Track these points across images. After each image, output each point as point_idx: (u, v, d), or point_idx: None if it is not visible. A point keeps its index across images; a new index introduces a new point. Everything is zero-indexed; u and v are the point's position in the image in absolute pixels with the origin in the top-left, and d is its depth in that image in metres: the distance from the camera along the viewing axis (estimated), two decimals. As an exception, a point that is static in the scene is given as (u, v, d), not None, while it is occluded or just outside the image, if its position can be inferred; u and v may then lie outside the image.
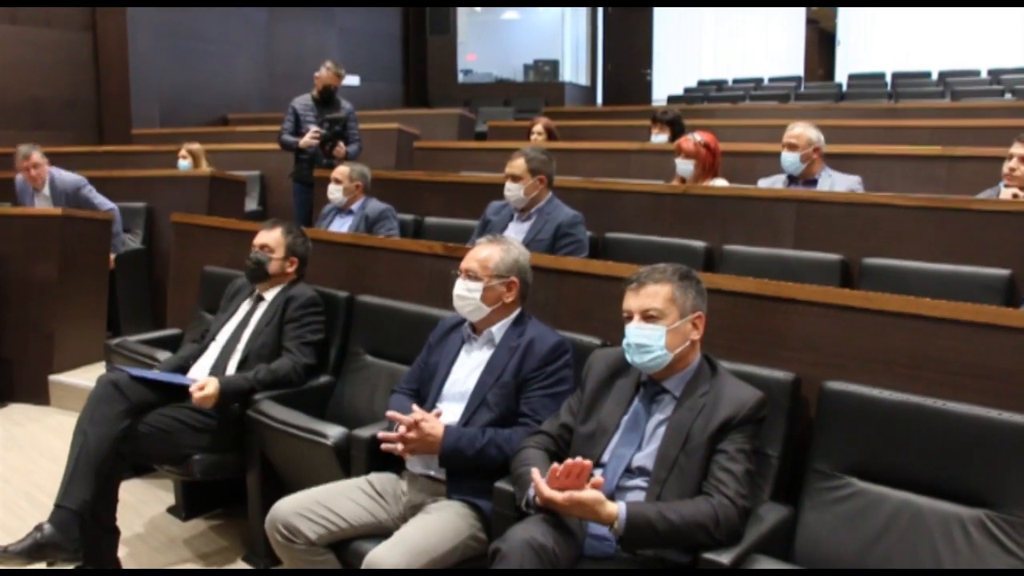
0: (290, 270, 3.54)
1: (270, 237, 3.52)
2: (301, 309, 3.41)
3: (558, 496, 2.03)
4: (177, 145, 6.84)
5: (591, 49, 14.95)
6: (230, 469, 3.25)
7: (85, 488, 2.97)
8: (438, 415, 2.57)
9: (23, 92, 8.60)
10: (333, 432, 2.82)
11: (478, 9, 14.51)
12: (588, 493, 2.03)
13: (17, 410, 5.01)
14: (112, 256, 5.54)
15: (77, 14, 8.98)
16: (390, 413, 2.57)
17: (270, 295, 3.51)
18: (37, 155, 5.70)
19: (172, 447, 3.14)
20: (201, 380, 3.17)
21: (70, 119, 8.98)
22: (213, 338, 3.51)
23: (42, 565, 3.01)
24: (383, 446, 2.56)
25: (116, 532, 3.19)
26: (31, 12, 8.60)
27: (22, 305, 5.06)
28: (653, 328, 2.25)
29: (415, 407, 2.58)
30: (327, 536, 2.48)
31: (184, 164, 6.56)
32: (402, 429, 2.52)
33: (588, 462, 2.06)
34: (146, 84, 9.21)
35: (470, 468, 2.48)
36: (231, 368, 3.34)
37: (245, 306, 3.55)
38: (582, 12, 14.86)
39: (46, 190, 5.71)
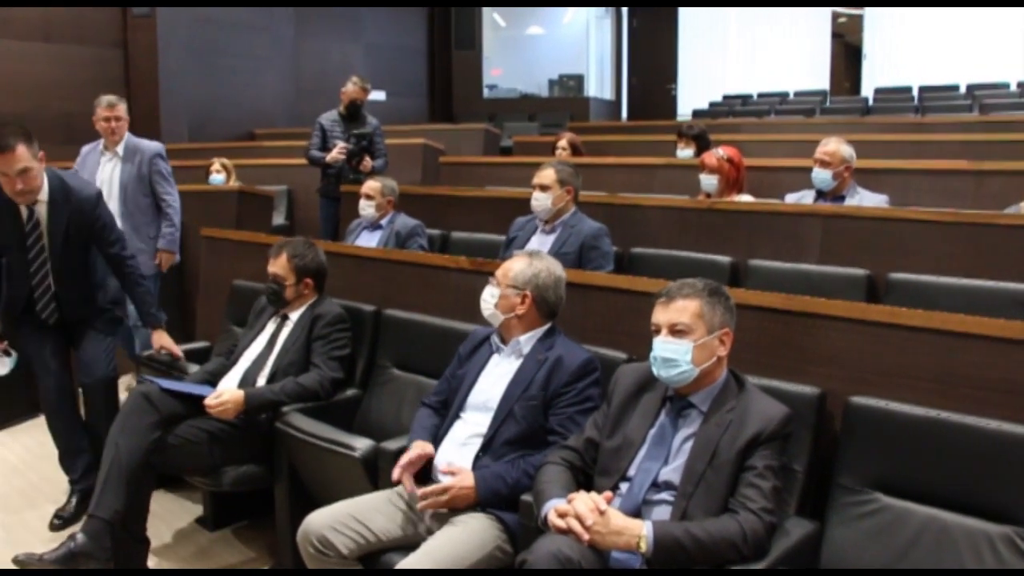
0: (307, 292, 3.55)
1: (278, 266, 3.52)
2: (329, 327, 3.44)
3: (584, 537, 2.04)
4: (205, 160, 6.92)
5: (616, 64, 14.99)
6: (259, 481, 3.30)
7: (117, 498, 3.02)
8: (454, 471, 2.57)
9: (56, 108, 8.73)
10: (361, 444, 2.85)
11: (503, 24, 14.59)
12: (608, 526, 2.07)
13: (49, 421, 5.07)
14: (173, 257, 5.14)
15: (109, 31, 9.12)
16: (421, 492, 2.55)
17: (295, 315, 3.54)
18: (123, 107, 5.06)
19: (202, 458, 3.19)
20: (223, 390, 3.21)
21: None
22: (241, 355, 3.56)
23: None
24: (420, 504, 2.56)
25: (146, 542, 3.24)
26: (65, 29, 8.75)
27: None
28: (680, 343, 2.27)
29: (440, 468, 2.61)
30: (357, 550, 2.51)
31: (218, 178, 6.62)
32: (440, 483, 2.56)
33: (604, 496, 2.12)
34: (175, 100, 9.34)
35: (509, 501, 2.50)
36: (259, 384, 3.38)
37: (271, 325, 3.58)
38: (607, 27, 14.90)
39: (120, 148, 5.02)
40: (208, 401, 3.16)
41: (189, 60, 9.48)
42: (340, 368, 3.43)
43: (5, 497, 4.08)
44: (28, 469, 4.41)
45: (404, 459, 2.62)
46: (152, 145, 5.10)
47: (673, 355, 2.27)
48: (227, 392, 3.21)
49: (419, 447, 2.66)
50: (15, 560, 2.99)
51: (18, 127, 3.51)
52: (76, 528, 3.08)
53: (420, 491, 2.55)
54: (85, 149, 5.20)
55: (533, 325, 2.76)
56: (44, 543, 3.35)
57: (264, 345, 3.52)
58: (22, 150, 3.43)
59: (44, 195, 3.59)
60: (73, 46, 8.84)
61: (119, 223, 4.57)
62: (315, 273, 3.56)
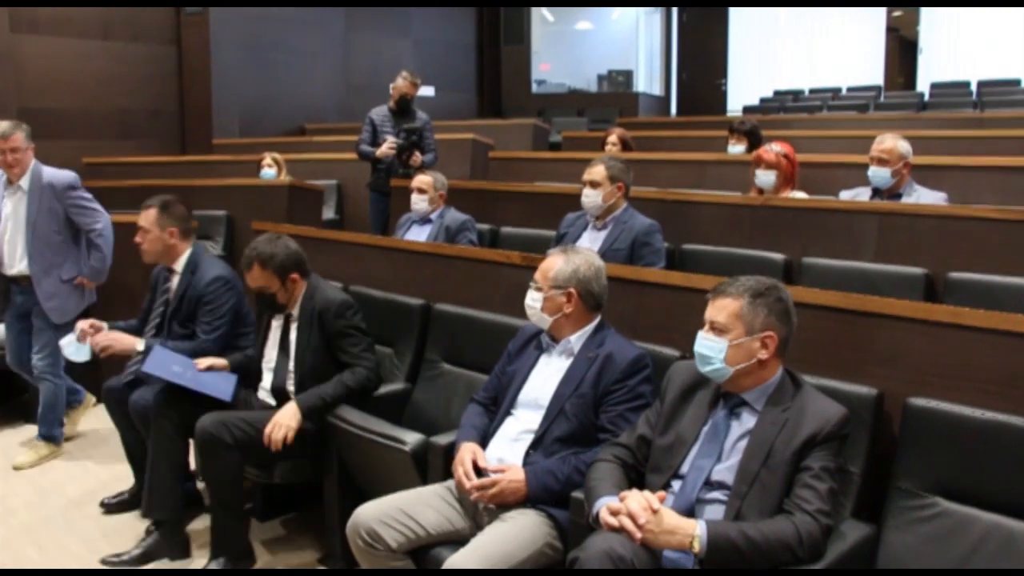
0: (298, 292, 3.42)
1: (256, 279, 3.37)
2: (340, 319, 3.34)
3: (637, 535, 2.03)
4: (256, 155, 6.99)
5: (665, 59, 14.88)
6: (309, 473, 3.33)
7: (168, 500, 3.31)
8: (501, 471, 2.56)
9: (112, 104, 8.92)
10: (411, 439, 2.86)
11: (551, 19, 14.55)
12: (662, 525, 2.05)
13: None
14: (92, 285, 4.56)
15: (164, 28, 9.28)
16: (470, 485, 2.54)
17: (296, 311, 3.43)
18: (20, 136, 4.27)
19: (258, 454, 3.21)
20: (274, 418, 3.19)
21: (155, 129, 9.28)
22: (260, 358, 3.52)
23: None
24: (473, 496, 2.55)
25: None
26: (121, 27, 8.93)
27: (111, 309, 5.21)
28: (715, 340, 2.25)
29: (487, 464, 2.60)
30: (406, 544, 2.51)
31: (269, 173, 6.67)
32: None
33: (657, 495, 2.10)
34: (227, 95, 9.46)
35: (560, 498, 2.49)
36: (291, 389, 3.39)
37: (276, 325, 3.50)
38: (656, 22, 14.79)
39: (24, 181, 4.32)
40: (267, 434, 3.15)
41: (241, 56, 9.60)
42: (373, 353, 3.38)
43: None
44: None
45: (463, 469, 2.58)
46: (62, 177, 4.38)
47: (708, 352, 2.26)
48: (281, 417, 3.17)
49: (468, 450, 2.64)
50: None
51: (163, 197, 3.86)
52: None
53: (469, 484, 2.55)
54: None
55: (582, 321, 2.74)
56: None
57: (278, 350, 3.46)
58: (150, 213, 3.79)
59: (180, 266, 3.85)
60: (129, 44, 9.02)
61: (26, 264, 4.32)
62: (295, 264, 3.39)
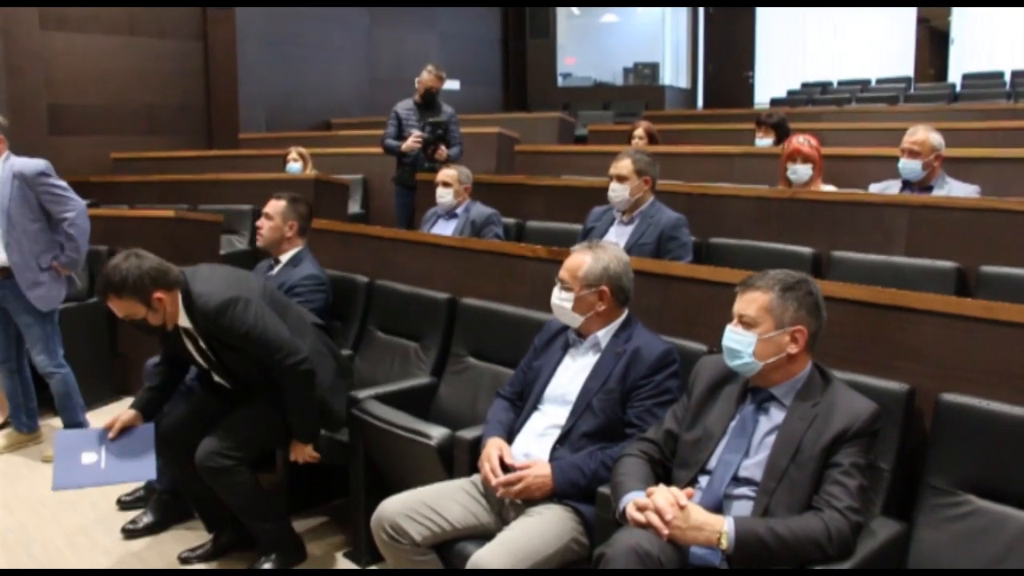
0: (172, 307, 3.03)
1: (121, 309, 3.00)
2: (224, 330, 3.02)
3: (664, 532, 2.02)
4: (282, 149, 7.02)
5: (692, 51, 14.76)
6: (342, 455, 3.36)
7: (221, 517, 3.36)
8: (527, 466, 2.54)
9: (140, 99, 9.00)
10: (436, 433, 2.86)
11: (577, 12, 14.48)
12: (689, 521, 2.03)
13: (133, 403, 5.21)
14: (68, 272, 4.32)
15: (190, 24, 9.37)
16: (496, 482, 2.54)
17: (186, 323, 3.09)
18: None
19: (262, 453, 3.29)
20: (294, 454, 3.27)
21: (182, 125, 9.36)
22: (208, 380, 3.40)
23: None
24: (499, 492, 2.54)
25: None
26: (148, 24, 9.03)
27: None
28: (744, 334, 2.23)
29: (513, 460, 2.58)
30: (431, 538, 2.51)
31: (295, 167, 6.71)
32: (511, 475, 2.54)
33: (684, 492, 2.09)
34: (253, 90, 9.53)
35: (587, 493, 2.47)
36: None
37: (188, 344, 3.20)
38: (682, 14, 14.68)
39: None
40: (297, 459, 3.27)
41: (266, 52, 9.66)
42: (282, 336, 3.07)
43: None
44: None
45: (489, 464, 2.57)
46: (32, 164, 4.18)
47: (736, 346, 2.23)
48: (293, 452, 3.27)
49: (495, 445, 2.63)
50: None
51: (293, 193, 4.05)
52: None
53: (495, 480, 2.53)
54: None
55: (611, 317, 2.71)
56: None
57: (208, 365, 3.28)
58: (279, 204, 3.97)
59: (285, 258, 4.00)
60: (156, 40, 9.12)
61: (3, 255, 4.15)
62: (152, 281, 2.95)
